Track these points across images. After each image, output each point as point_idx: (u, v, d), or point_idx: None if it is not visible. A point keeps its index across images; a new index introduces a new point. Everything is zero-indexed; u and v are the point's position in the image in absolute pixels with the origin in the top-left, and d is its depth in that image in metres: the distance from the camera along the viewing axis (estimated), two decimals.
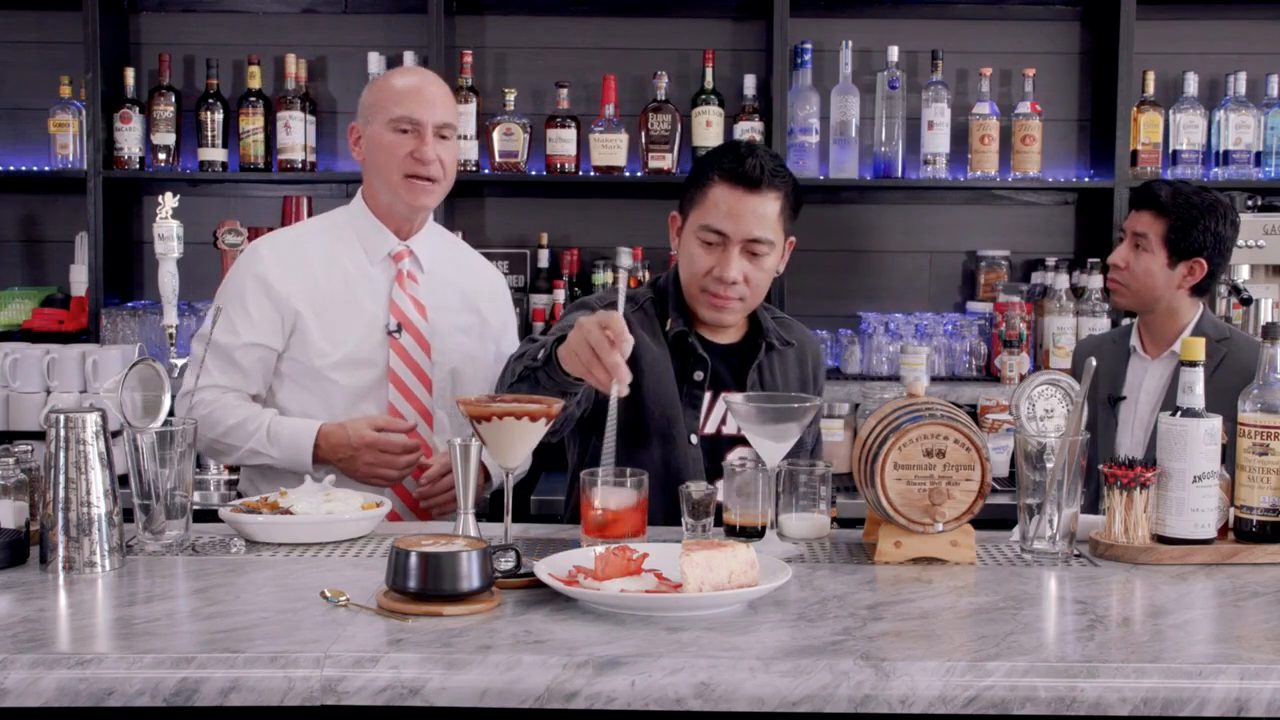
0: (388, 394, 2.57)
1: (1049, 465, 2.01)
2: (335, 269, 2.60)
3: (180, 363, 2.40)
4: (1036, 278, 4.01)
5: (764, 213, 2.38)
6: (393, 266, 2.63)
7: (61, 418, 1.87)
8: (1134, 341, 2.98)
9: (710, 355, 2.47)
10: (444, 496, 2.52)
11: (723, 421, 2.48)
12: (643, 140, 3.91)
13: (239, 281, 2.59)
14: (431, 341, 2.61)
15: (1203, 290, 2.92)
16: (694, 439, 2.45)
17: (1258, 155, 3.94)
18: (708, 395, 2.47)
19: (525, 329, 3.87)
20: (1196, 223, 2.84)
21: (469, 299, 2.71)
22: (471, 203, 4.12)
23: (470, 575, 1.69)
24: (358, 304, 2.58)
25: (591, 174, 3.90)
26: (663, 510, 2.29)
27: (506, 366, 2.29)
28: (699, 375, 2.46)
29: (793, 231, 2.48)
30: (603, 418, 2.40)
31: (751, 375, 2.49)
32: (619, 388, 1.94)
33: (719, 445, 2.47)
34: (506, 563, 1.82)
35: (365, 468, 2.44)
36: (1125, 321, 3.18)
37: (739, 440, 2.48)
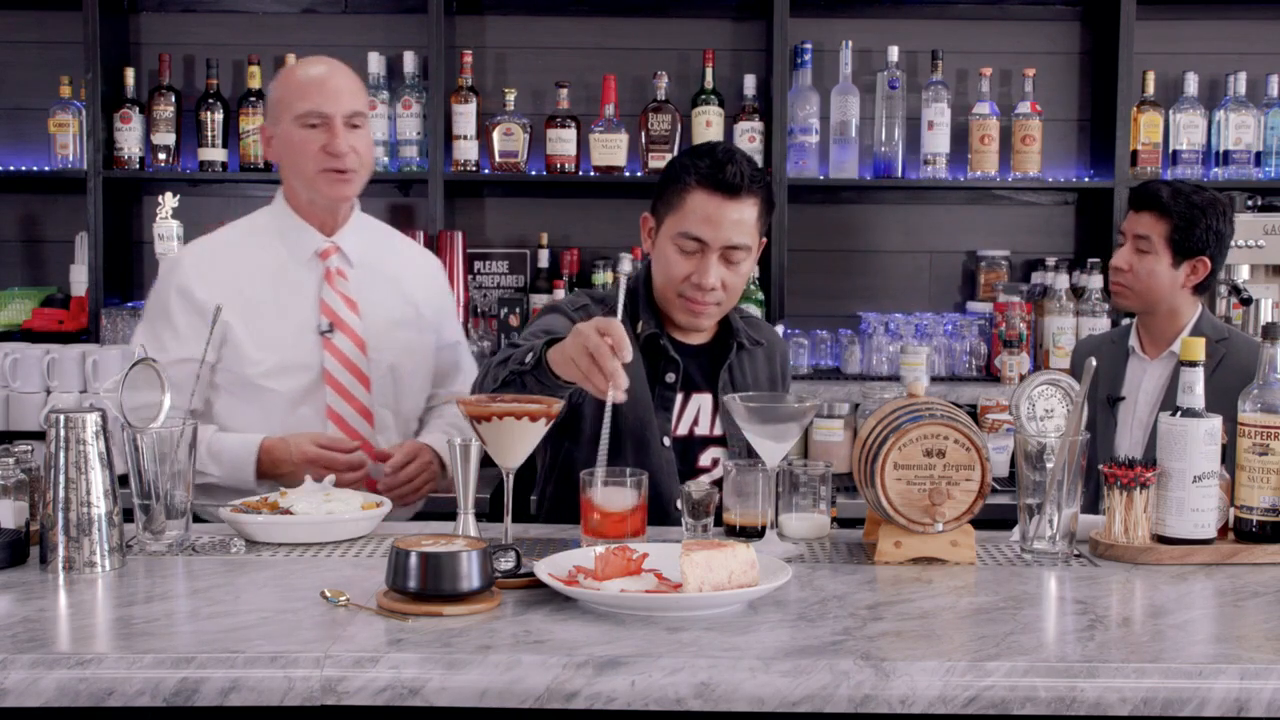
0: (325, 397, 2.51)
1: (1049, 465, 2.01)
2: (260, 274, 2.54)
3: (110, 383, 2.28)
4: (1036, 278, 4.01)
5: (742, 219, 2.36)
6: (320, 265, 2.57)
7: (61, 418, 1.87)
8: (1133, 342, 2.98)
9: (681, 356, 2.46)
10: (406, 488, 2.48)
11: (695, 423, 2.48)
12: (643, 140, 3.91)
13: (162, 296, 2.52)
14: (366, 338, 2.56)
15: (1203, 289, 2.92)
16: (667, 441, 2.44)
17: (1258, 155, 3.94)
18: (679, 396, 2.46)
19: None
20: (1198, 222, 2.84)
21: (402, 289, 2.66)
22: (471, 203, 4.12)
23: (470, 575, 1.69)
24: (286, 307, 2.53)
25: (591, 174, 3.90)
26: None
27: (485, 372, 2.24)
28: (671, 377, 2.45)
29: (765, 231, 2.46)
30: (574, 424, 2.40)
31: (723, 376, 2.48)
32: (615, 394, 1.93)
33: (691, 446, 2.47)
34: (506, 563, 1.82)
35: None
36: (1125, 321, 3.17)
37: (711, 441, 2.48)
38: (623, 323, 2.41)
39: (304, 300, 2.54)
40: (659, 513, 2.25)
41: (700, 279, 2.36)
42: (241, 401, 2.51)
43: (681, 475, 2.39)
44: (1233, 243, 2.98)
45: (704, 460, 2.47)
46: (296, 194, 2.58)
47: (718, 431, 2.48)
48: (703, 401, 2.48)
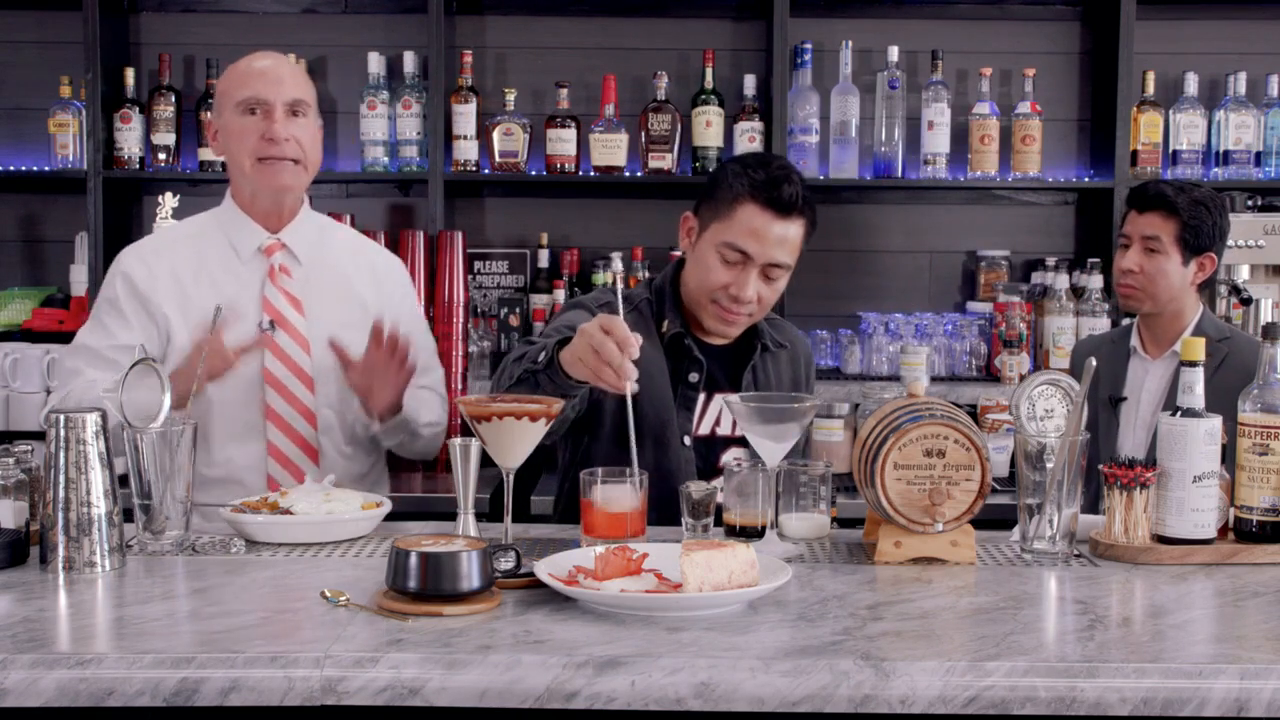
0: (265, 395, 2.46)
1: (1049, 465, 2.01)
2: (203, 273, 2.50)
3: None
4: (1036, 278, 4.01)
5: (788, 237, 2.37)
6: (264, 261, 2.52)
7: (61, 418, 1.87)
8: (1134, 342, 2.97)
9: (705, 356, 2.46)
10: (387, 393, 2.38)
11: (716, 422, 2.48)
12: (643, 140, 3.91)
13: (109, 290, 2.50)
14: (310, 338, 2.50)
15: (1205, 286, 2.93)
16: (687, 440, 2.44)
17: (1258, 155, 3.94)
18: (701, 396, 2.47)
19: (526, 329, 3.88)
20: (1205, 218, 2.85)
21: (352, 289, 2.59)
22: (471, 203, 4.12)
23: (470, 575, 1.69)
24: (228, 304, 2.43)
25: (591, 174, 3.90)
26: (655, 512, 2.27)
27: (503, 369, 2.25)
28: (694, 377, 2.45)
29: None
30: (596, 419, 2.40)
31: (746, 376, 2.49)
32: (631, 385, 1.94)
33: (713, 446, 2.47)
34: (506, 563, 1.82)
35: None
36: (1125, 321, 3.17)
37: (733, 441, 2.48)
38: (649, 320, 2.43)
39: (246, 297, 2.49)
40: (675, 512, 2.25)
41: (739, 291, 2.37)
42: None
43: (702, 474, 2.39)
44: (1233, 242, 2.99)
45: (726, 460, 2.47)
46: (240, 189, 2.56)
47: (740, 432, 2.48)
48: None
